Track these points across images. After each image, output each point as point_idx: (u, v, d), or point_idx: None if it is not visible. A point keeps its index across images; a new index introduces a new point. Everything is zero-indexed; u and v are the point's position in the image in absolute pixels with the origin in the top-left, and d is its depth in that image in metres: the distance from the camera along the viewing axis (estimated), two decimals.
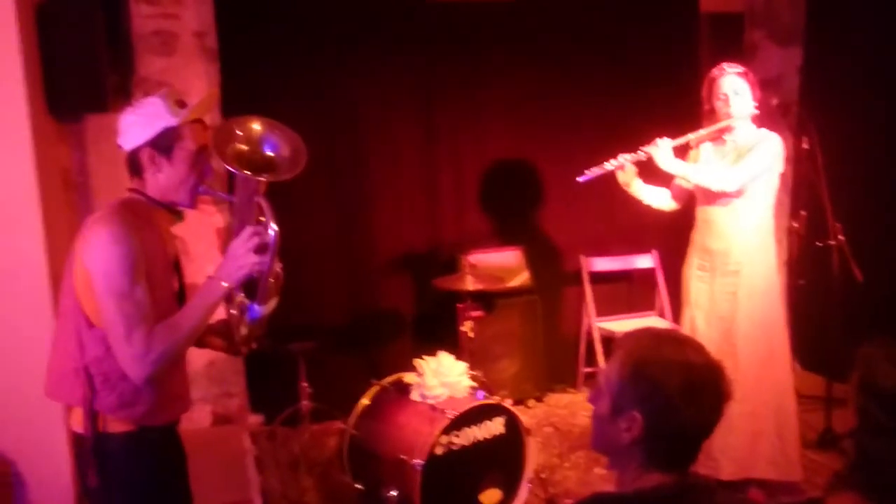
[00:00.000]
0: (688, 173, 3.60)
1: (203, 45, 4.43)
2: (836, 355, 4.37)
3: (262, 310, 2.22)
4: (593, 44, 4.98)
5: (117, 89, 4.06)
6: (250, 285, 2.19)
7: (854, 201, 4.50)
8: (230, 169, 2.08)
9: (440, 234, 4.93)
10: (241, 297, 2.25)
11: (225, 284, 2.10)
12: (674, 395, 1.45)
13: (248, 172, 2.08)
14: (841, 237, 4.07)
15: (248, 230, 2.09)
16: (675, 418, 1.46)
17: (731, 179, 3.50)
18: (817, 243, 4.14)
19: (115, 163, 4.51)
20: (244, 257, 2.08)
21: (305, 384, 4.37)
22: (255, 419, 4.73)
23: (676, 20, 5.13)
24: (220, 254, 4.53)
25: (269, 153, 2.18)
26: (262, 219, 2.11)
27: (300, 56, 4.51)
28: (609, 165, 3.67)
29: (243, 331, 2.32)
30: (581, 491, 3.80)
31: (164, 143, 2.13)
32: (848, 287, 4.11)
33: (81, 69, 3.64)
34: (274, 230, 2.07)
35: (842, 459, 4.00)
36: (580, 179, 3.67)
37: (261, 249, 2.07)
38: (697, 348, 1.54)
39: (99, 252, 2.03)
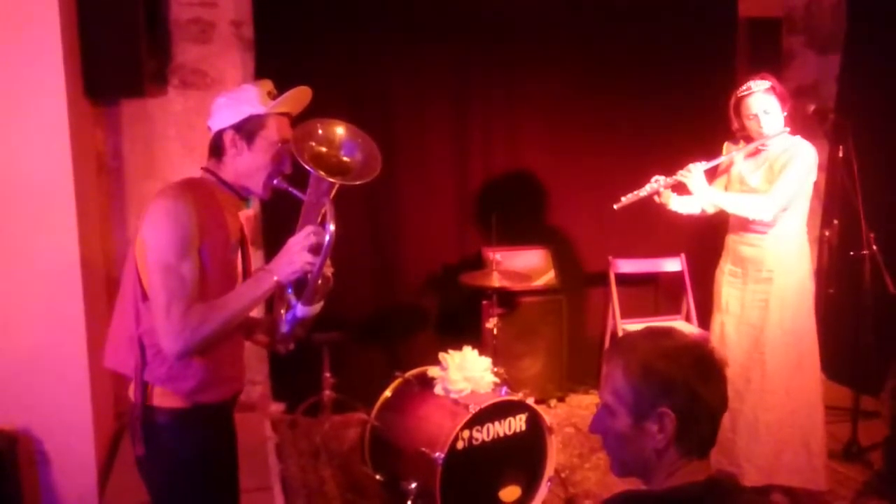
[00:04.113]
0: (722, 202, 3.57)
1: (239, 34, 4.47)
2: (865, 367, 4.31)
3: (306, 311, 2.23)
4: (629, 45, 4.97)
5: (154, 75, 4.11)
6: (301, 287, 2.21)
7: (888, 211, 4.44)
8: (305, 166, 2.10)
9: (468, 229, 4.93)
10: (289, 294, 2.26)
11: (275, 278, 2.12)
12: (691, 378, 1.46)
13: (323, 173, 2.10)
14: (874, 247, 4.01)
15: (308, 228, 2.13)
16: (699, 398, 1.46)
17: (766, 208, 3.44)
18: (850, 253, 4.08)
19: (150, 147, 4.59)
20: (298, 254, 2.11)
21: (328, 374, 4.39)
22: (276, 407, 4.77)
23: (715, 23, 5.10)
24: (250, 242, 4.60)
25: (346, 158, 2.21)
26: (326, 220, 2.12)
27: (334, 48, 4.53)
28: (643, 192, 3.64)
29: (284, 328, 2.32)
30: (601, 492, 3.77)
31: (247, 129, 2.17)
32: (879, 298, 4.06)
33: (120, 54, 3.69)
34: (331, 232, 2.08)
35: (867, 471, 3.94)
36: (615, 207, 3.67)
37: (315, 249, 2.10)
38: (682, 333, 1.56)
39: (153, 224, 2.06)
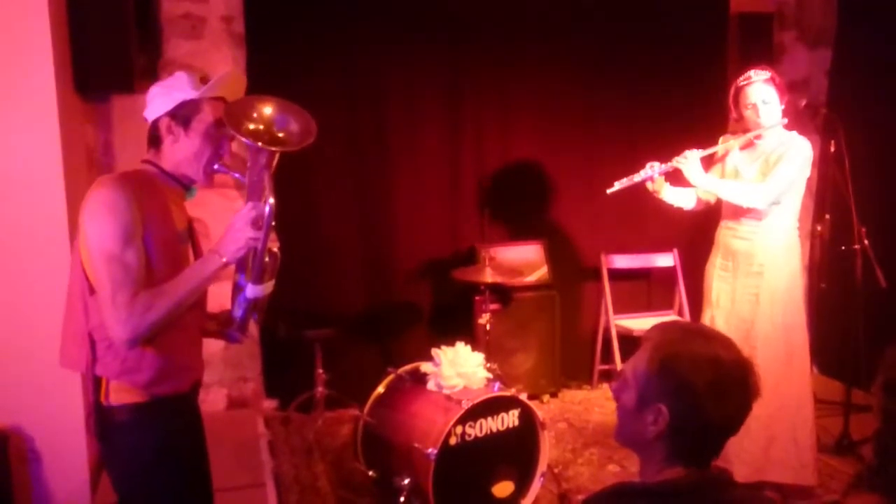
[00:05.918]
0: (717, 189, 3.58)
1: (230, 29, 4.46)
2: (856, 361, 4.33)
3: (256, 290, 2.20)
4: (621, 42, 4.97)
5: (144, 71, 4.09)
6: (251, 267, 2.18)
7: (880, 205, 4.46)
8: (241, 139, 2.08)
9: (460, 225, 4.93)
10: (238, 276, 2.24)
11: (223, 259, 2.10)
12: (701, 392, 1.42)
13: (261, 143, 2.09)
14: (865, 241, 4.03)
15: (249, 205, 2.11)
16: (701, 415, 1.43)
17: (760, 196, 3.46)
18: (842, 247, 4.09)
19: (140, 143, 4.55)
20: (240, 230, 2.08)
21: (321, 371, 4.39)
22: (269, 404, 4.76)
23: (706, 19, 5.10)
24: None
25: (281, 134, 2.18)
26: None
27: (326, 45, 4.52)
28: (637, 177, 3.63)
29: (237, 312, 2.30)
30: (594, 487, 3.77)
31: (182, 115, 2.16)
32: (871, 292, 4.07)
33: (110, 50, 3.68)
34: (270, 204, 2.07)
35: (859, 465, 3.95)
36: (609, 191, 3.65)
37: (257, 223, 2.08)
38: (727, 344, 1.49)
39: (93, 215, 2.05)
